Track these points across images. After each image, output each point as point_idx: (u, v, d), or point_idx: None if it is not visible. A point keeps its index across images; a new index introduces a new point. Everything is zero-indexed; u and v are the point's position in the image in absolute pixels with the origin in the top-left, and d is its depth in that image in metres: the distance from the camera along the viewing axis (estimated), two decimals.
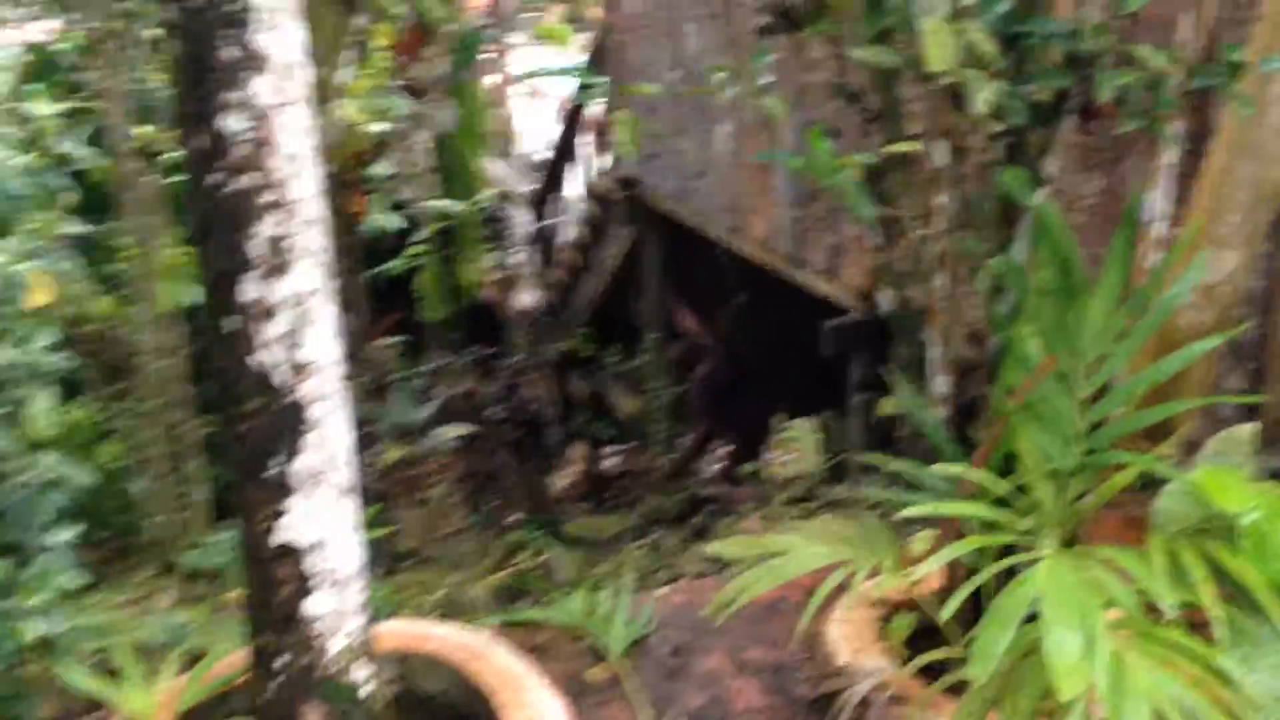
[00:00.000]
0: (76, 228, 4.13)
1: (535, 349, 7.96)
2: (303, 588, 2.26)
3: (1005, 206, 2.23)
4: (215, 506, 8.63)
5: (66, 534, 3.19)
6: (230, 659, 2.70)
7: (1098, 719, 1.88)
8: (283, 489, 2.19)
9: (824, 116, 5.70)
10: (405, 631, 2.72)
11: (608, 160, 9.19)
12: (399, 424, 5.91)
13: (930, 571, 2.21)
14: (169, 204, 8.04)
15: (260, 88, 2.03)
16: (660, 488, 9.37)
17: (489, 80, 9.80)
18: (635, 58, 8.21)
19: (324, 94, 2.96)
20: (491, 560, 7.37)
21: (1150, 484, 2.33)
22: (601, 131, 9.66)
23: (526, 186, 11.94)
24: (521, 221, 10.69)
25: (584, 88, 9.88)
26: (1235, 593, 2.09)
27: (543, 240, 10.78)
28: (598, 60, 9.01)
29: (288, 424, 2.17)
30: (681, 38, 7.35)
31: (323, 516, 2.25)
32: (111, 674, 2.91)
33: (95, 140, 8.22)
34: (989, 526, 2.26)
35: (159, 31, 10.44)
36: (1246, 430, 2.30)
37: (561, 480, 9.35)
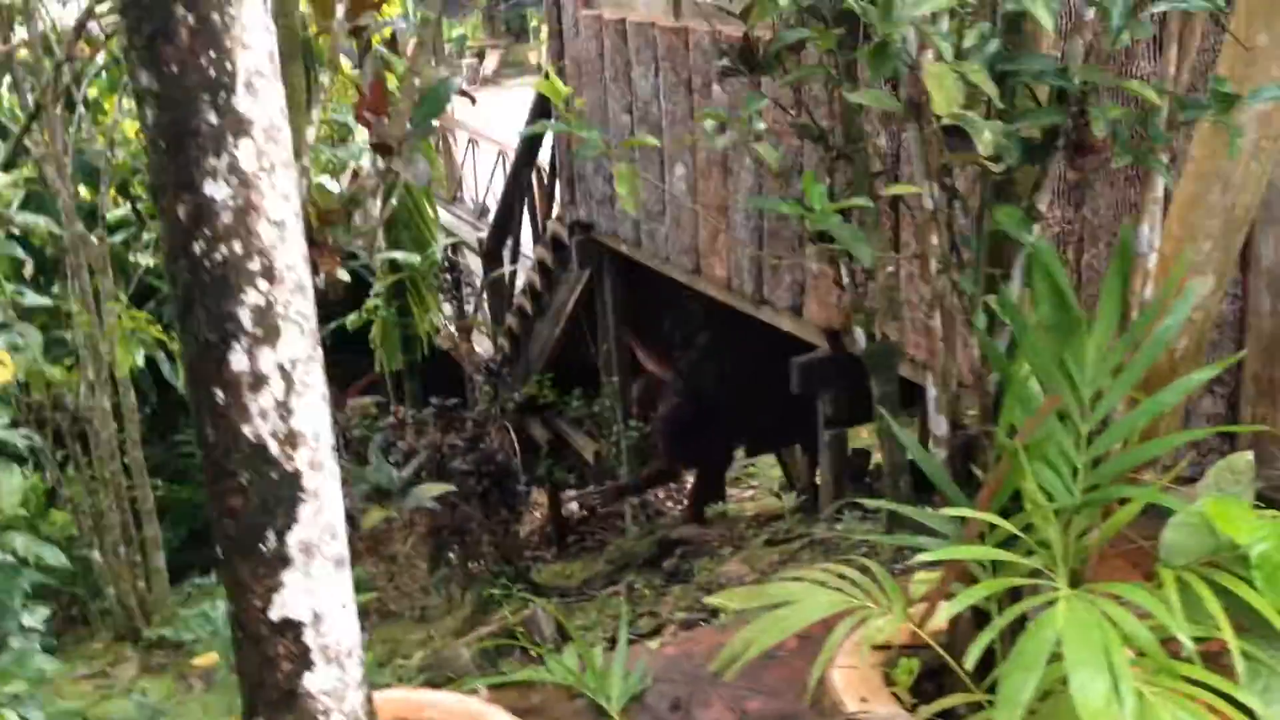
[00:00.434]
0: (39, 299, 4.03)
1: (496, 398, 7.89)
2: (302, 664, 2.18)
3: (997, 244, 2.23)
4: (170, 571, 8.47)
5: (40, 614, 3.09)
6: None
7: None
8: (279, 563, 2.12)
9: (787, 156, 5.74)
10: (402, 700, 2.64)
11: (559, 205, 9.18)
12: (376, 485, 5.82)
13: (948, 615, 2.18)
14: (114, 267, 7.94)
15: (244, 152, 1.97)
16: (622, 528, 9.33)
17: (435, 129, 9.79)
18: (586, 100, 8.22)
19: (295, 153, 2.90)
20: (461, 615, 7.27)
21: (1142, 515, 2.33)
22: (553, 176, 9.66)
23: (478, 234, 11.92)
24: (475, 270, 10.65)
25: (532, 134, 9.93)
26: (1248, 624, 2.08)
27: (497, 287, 10.74)
28: (547, 104, 9.03)
29: (283, 496, 2.10)
30: (633, 80, 7.37)
31: (320, 590, 2.18)
32: None
33: (38, 205, 8.11)
34: (998, 568, 2.24)
35: (94, 95, 10.34)
36: (1244, 459, 2.31)
37: (524, 528, 9.27)
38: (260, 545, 2.13)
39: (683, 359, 8.76)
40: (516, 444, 7.64)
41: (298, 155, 3.87)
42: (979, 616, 2.42)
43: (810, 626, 2.47)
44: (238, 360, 2.04)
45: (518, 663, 3.96)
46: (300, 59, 3.54)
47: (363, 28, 3.65)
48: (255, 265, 2.02)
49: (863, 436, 8.63)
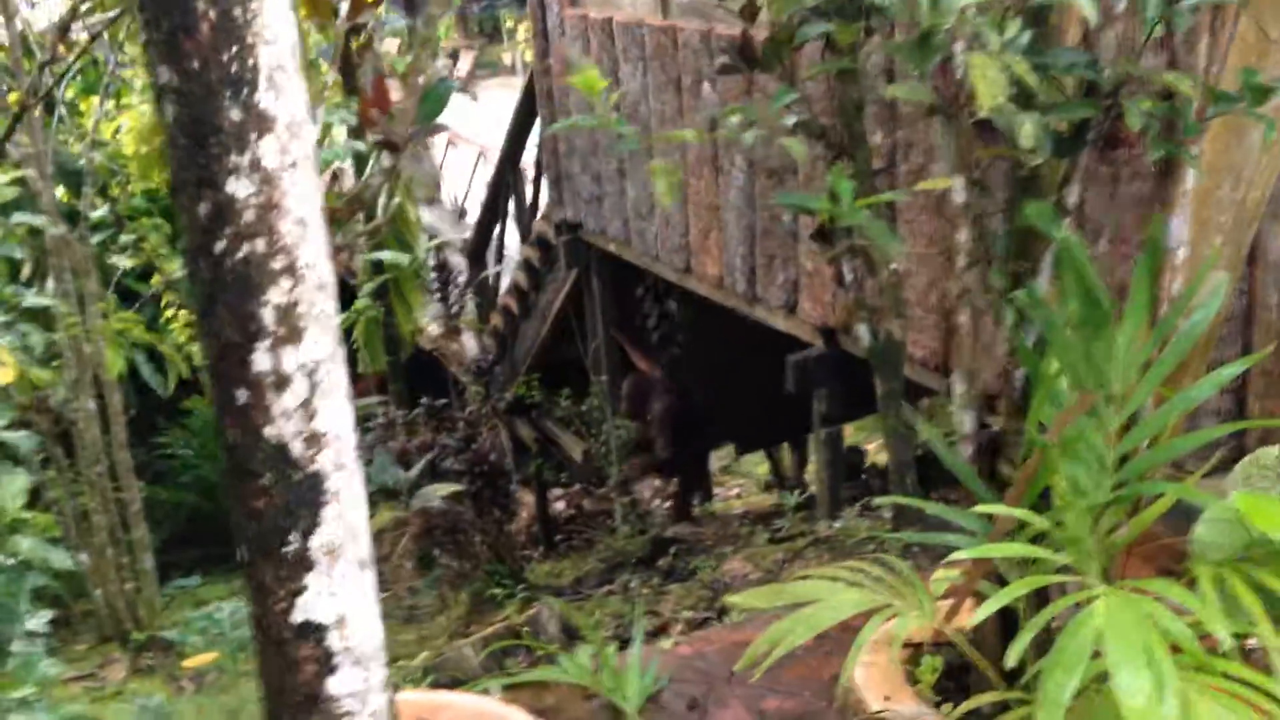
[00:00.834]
0: (39, 300, 3.96)
1: (488, 398, 7.84)
2: (325, 667, 2.14)
3: (1025, 239, 2.21)
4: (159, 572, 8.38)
5: (43, 617, 3.04)
6: None
7: None
8: (302, 565, 2.08)
9: (776, 154, 5.73)
10: (419, 702, 2.61)
11: (546, 205, 9.13)
12: (382, 485, 5.76)
13: (986, 614, 2.15)
14: (99, 268, 7.84)
15: (266, 149, 1.93)
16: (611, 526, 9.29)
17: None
18: (571, 100, 8.19)
19: None
20: (455, 615, 7.22)
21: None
22: (538, 176, 9.62)
23: (462, 234, 11.86)
24: (460, 269, 10.59)
25: (518, 132, 9.88)
26: None
27: (483, 287, 10.68)
28: (532, 104, 8.98)
29: (306, 497, 2.06)
30: (621, 79, 7.34)
31: (343, 592, 2.14)
32: None
33: (18, 207, 7.99)
34: (1029, 564, 2.23)
35: (70, 96, 10.22)
36: (1273, 453, 2.30)
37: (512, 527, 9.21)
38: (283, 547, 2.09)
39: (670, 357, 8.74)
40: (509, 444, 7.59)
41: None
42: (1003, 612, 2.40)
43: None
44: (260, 360, 2.00)
45: (522, 663, 3.93)
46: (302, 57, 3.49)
47: (361, 26, 3.60)
48: (278, 263, 1.98)
49: (847, 434, 8.63)
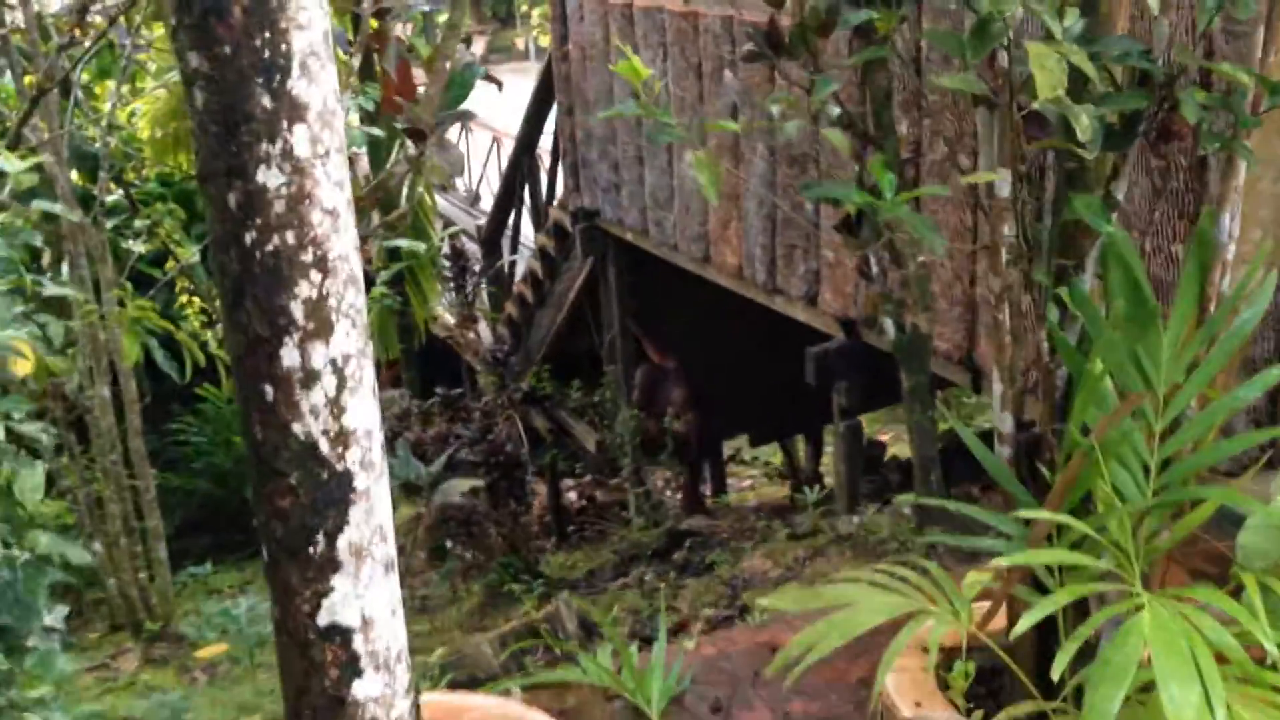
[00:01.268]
0: (59, 289, 3.92)
1: (504, 388, 7.79)
2: (350, 670, 2.10)
3: (1070, 234, 2.15)
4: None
5: (60, 613, 3.01)
6: None
7: None
8: (329, 566, 2.04)
9: (798, 142, 5.66)
10: (442, 703, 2.57)
11: (563, 192, 9.07)
12: (404, 480, 5.72)
13: (1029, 625, 2.10)
14: (114, 255, 7.81)
15: (298, 138, 1.88)
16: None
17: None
18: (590, 86, 8.12)
19: None
20: (468, 607, 7.19)
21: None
22: (554, 163, 9.56)
23: (476, 220, 11.80)
24: (475, 257, 10.54)
25: (535, 118, 9.82)
26: None
27: (498, 275, 10.64)
28: (549, 90, 8.92)
29: (334, 496, 2.02)
30: None
31: (369, 594, 2.10)
32: None
33: (33, 192, 7.96)
34: (1066, 568, 2.17)
35: (86, 80, 10.19)
36: None
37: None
38: (309, 548, 2.04)
39: (686, 350, 8.68)
40: (524, 435, 7.55)
41: None
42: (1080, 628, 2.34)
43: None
44: (289, 355, 1.95)
45: (540, 661, 3.89)
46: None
47: (386, 10, 3.56)
48: (308, 256, 1.93)
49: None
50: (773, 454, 11.82)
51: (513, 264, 10.59)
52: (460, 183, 14.79)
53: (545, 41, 10.39)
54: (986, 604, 2.56)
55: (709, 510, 9.07)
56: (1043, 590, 2.43)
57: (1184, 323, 2.16)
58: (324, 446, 2.00)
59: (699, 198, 6.84)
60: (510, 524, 6.85)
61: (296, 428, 1.98)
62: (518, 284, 10.13)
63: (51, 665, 2.82)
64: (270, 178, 1.88)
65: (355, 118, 8.39)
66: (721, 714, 2.95)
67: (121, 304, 6.35)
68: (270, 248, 1.90)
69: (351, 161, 12.10)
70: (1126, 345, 2.13)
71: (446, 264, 9.55)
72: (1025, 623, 2.01)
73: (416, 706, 2.23)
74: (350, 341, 2.01)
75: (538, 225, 9.91)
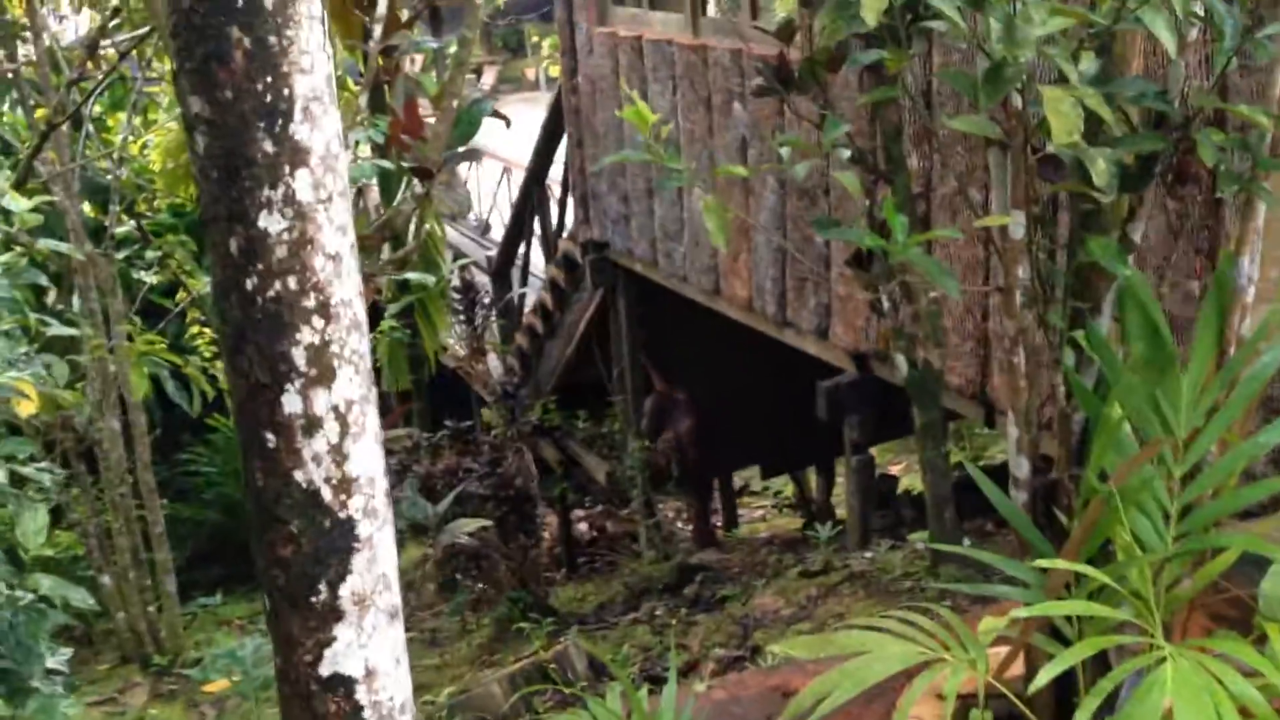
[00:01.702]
0: (64, 329, 3.91)
1: (514, 420, 7.77)
2: None
3: (1085, 277, 2.12)
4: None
5: (63, 655, 2.97)
6: None
7: None
8: (331, 615, 2.00)
9: (809, 177, 5.64)
10: None
11: (573, 224, 9.07)
12: (411, 520, 5.68)
13: (1048, 678, 2.05)
14: (124, 287, 7.82)
15: (300, 183, 1.86)
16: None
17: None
18: (599, 119, 8.13)
19: None
20: (477, 641, 7.13)
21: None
22: (564, 195, 9.56)
23: (484, 252, 11.81)
24: (484, 288, 10.53)
25: (545, 149, 9.83)
26: None
27: (507, 307, 10.63)
28: (559, 121, 8.93)
29: (336, 545, 1.98)
30: (650, 98, 7.27)
31: (373, 643, 2.06)
32: None
33: (45, 225, 7.98)
34: (1084, 618, 2.12)
35: (98, 112, 10.24)
36: None
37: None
38: (311, 597, 2.01)
39: (695, 378, 8.64)
40: (534, 467, 7.52)
41: None
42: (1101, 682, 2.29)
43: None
44: (290, 402, 1.92)
45: (549, 702, 3.83)
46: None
47: (394, 47, 3.55)
48: (310, 302, 1.90)
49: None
50: (784, 485, 11.76)
51: (522, 295, 10.58)
52: (470, 213, 14.83)
53: (556, 72, 10.41)
54: (1003, 649, 2.52)
55: (720, 543, 9.01)
56: (1060, 637, 2.38)
57: (1203, 366, 2.12)
58: (326, 494, 1.96)
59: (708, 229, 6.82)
60: (520, 558, 6.80)
61: (298, 475, 1.95)
62: (528, 315, 10.12)
63: (54, 710, 2.78)
64: (272, 223, 1.85)
65: (366, 149, 8.39)
66: None
67: (130, 338, 6.34)
68: (272, 293, 1.88)
69: (362, 193, 12.18)
70: (1145, 389, 2.09)
71: (456, 296, 9.54)
72: (1044, 677, 1.96)
73: None
74: (353, 387, 1.97)
75: (548, 257, 9.90)
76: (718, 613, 5.29)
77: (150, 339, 6.33)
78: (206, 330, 10.46)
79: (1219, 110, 2.47)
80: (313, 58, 1.86)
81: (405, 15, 3.85)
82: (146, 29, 6.68)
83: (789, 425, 8.13)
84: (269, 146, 1.84)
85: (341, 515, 1.98)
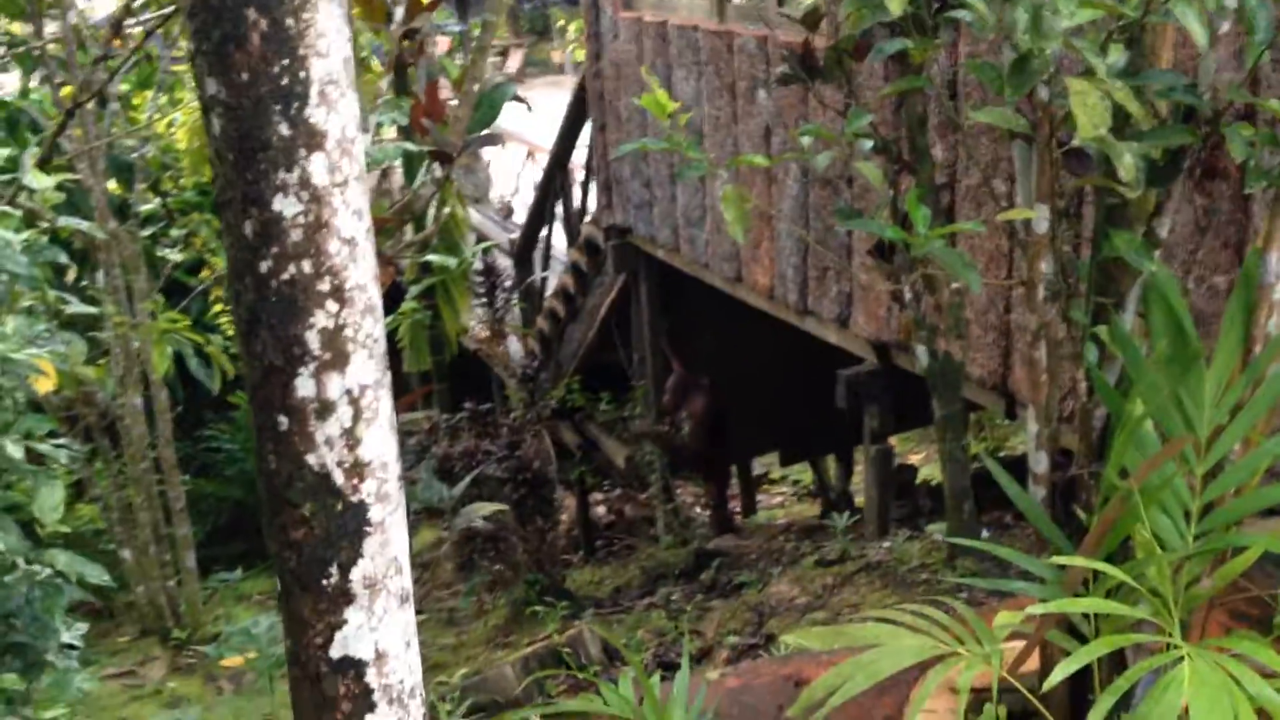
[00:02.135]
0: (83, 308, 3.92)
1: (534, 403, 7.77)
2: (363, 705, 2.06)
3: (1110, 272, 2.08)
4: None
5: (79, 630, 2.99)
6: None
7: None
8: (342, 599, 2.00)
9: (833, 166, 5.60)
10: None
11: (595, 208, 9.05)
12: (426, 503, 5.68)
13: (1062, 676, 2.03)
14: (148, 264, 7.86)
15: (316, 166, 1.85)
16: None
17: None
18: (623, 104, 8.09)
19: None
20: (493, 622, 7.16)
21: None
22: (588, 179, 9.54)
23: (506, 235, 11.80)
24: (506, 272, 10.53)
25: (568, 134, 9.80)
26: None
27: (529, 291, 10.62)
28: (583, 106, 8.90)
29: (348, 529, 1.98)
30: (674, 84, 7.24)
31: (383, 627, 2.06)
32: None
33: (71, 202, 8.02)
34: (1101, 615, 2.10)
35: (125, 90, 10.29)
36: None
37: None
38: (322, 580, 2.01)
39: (715, 364, 8.62)
40: (553, 450, 7.52)
41: None
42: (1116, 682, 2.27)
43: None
44: (304, 385, 1.92)
45: (562, 685, 3.83)
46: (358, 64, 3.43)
47: (415, 30, 3.53)
48: (325, 286, 1.89)
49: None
50: (803, 472, 11.74)
51: (544, 279, 10.58)
52: (494, 196, 14.82)
53: (581, 56, 10.38)
54: (1018, 644, 2.50)
55: (738, 529, 9.00)
56: (1076, 634, 2.36)
57: (1228, 364, 2.09)
58: (338, 478, 1.96)
59: None
60: (537, 541, 6.81)
61: (311, 459, 1.94)
62: (549, 298, 10.11)
63: (68, 685, 2.80)
64: (287, 206, 1.84)
65: (392, 132, 8.36)
66: None
67: (153, 315, 6.37)
68: (286, 277, 1.87)
69: (386, 175, 12.16)
70: (1168, 387, 2.06)
71: (478, 278, 9.54)
72: (1059, 674, 1.94)
73: None
74: (367, 372, 1.97)
75: (570, 240, 9.89)
76: (733, 599, 5.28)
77: (173, 317, 6.36)
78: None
79: (1249, 104, 2.43)
80: (330, 41, 1.85)
81: None
82: (172, 8, 6.69)
83: (808, 413, 8.11)
84: (285, 130, 1.83)
85: (353, 499, 1.98)
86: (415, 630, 2.15)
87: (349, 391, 1.95)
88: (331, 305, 1.91)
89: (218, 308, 10.67)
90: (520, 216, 12.37)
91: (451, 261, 6.70)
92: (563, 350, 9.94)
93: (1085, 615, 2.32)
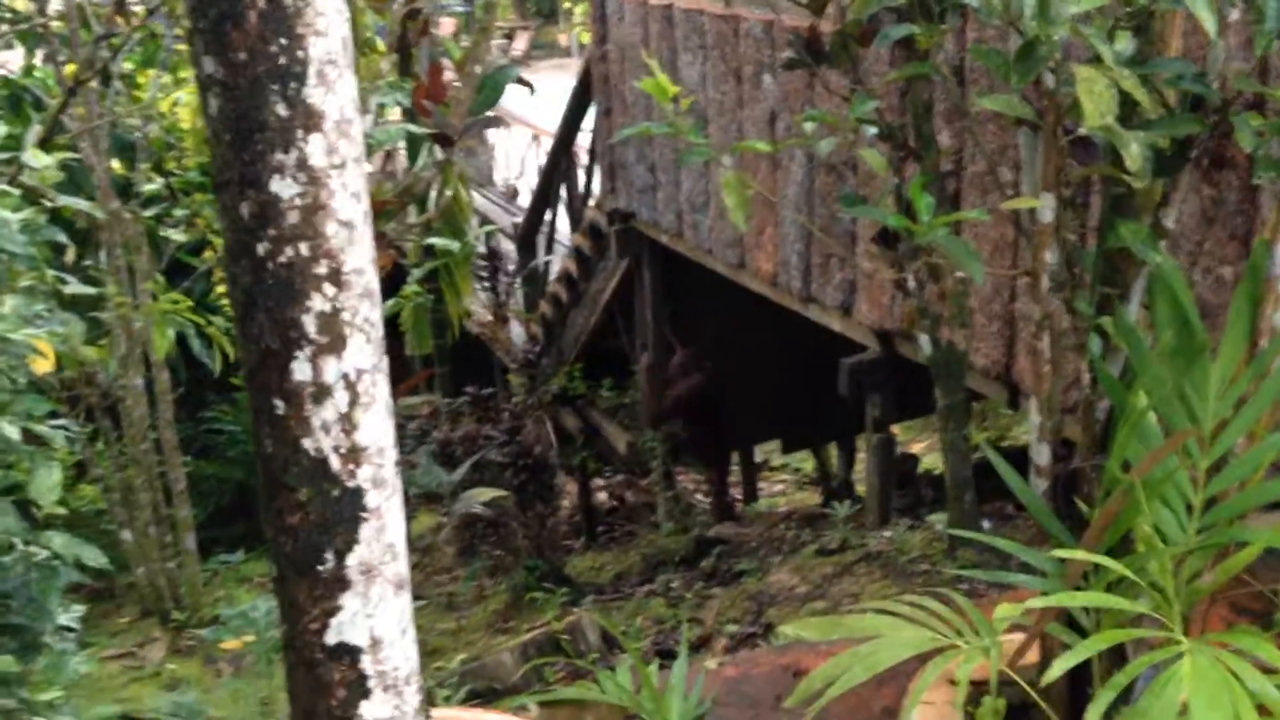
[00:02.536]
0: (82, 288, 3.91)
1: (533, 388, 7.75)
2: (358, 691, 2.05)
3: (1115, 262, 2.06)
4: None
5: (76, 612, 2.98)
6: None
7: None
8: (337, 584, 1.99)
9: (837, 151, 5.57)
10: None
11: (599, 193, 9.01)
12: (425, 489, 5.68)
13: (1061, 671, 2.02)
14: (150, 244, 7.83)
15: (313, 147, 1.83)
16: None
17: None
18: (628, 88, 8.06)
19: None
20: (493, 607, 7.16)
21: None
22: (591, 163, 9.50)
23: (510, 219, 11.77)
24: (510, 256, 10.50)
25: (573, 118, 9.76)
26: None
27: (532, 275, 10.60)
28: (588, 89, 8.86)
29: (344, 514, 1.96)
30: (679, 68, 7.20)
31: (379, 613, 2.04)
32: None
33: (73, 180, 8.00)
34: (1106, 611, 2.09)
35: (129, 68, 10.24)
36: None
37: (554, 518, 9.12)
38: (318, 565, 1.99)
39: (718, 350, 8.59)
40: (554, 436, 7.51)
41: None
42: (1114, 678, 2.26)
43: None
44: (300, 369, 1.90)
45: (561, 673, 3.83)
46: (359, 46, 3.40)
47: (418, 10, 3.51)
48: (322, 269, 1.88)
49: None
50: (805, 459, 11.73)
51: (548, 263, 10.55)
52: (499, 179, 14.79)
53: (588, 39, 10.34)
54: (1018, 636, 2.48)
55: (738, 516, 8.99)
56: (1077, 627, 2.34)
57: (1233, 356, 2.07)
58: (334, 463, 1.94)
59: None
60: (537, 527, 6.80)
61: (306, 443, 1.93)
62: (553, 283, 10.09)
63: (64, 667, 2.79)
64: (284, 188, 1.82)
65: (397, 113, 8.32)
66: None
67: (154, 296, 6.36)
68: (283, 259, 1.85)
69: (391, 157, 12.09)
70: (1173, 379, 2.04)
71: (481, 262, 9.51)
72: (1058, 668, 1.93)
73: None
74: (364, 356, 1.95)
75: (574, 225, 9.86)
76: (733, 587, 5.27)
77: (174, 298, 6.34)
78: None
79: (1258, 94, 2.41)
80: (328, 20, 1.83)
81: None
82: None
83: (811, 401, 8.08)
84: (282, 110, 1.81)
85: (350, 485, 1.96)
86: (412, 617, 2.14)
87: (346, 376, 1.93)
88: (329, 288, 1.89)
89: (220, 289, 10.65)
90: (525, 200, 12.34)
91: (455, 245, 6.67)
92: (565, 335, 9.92)
93: (1087, 611, 2.31)
